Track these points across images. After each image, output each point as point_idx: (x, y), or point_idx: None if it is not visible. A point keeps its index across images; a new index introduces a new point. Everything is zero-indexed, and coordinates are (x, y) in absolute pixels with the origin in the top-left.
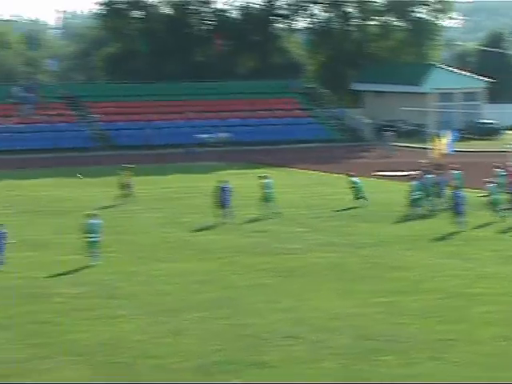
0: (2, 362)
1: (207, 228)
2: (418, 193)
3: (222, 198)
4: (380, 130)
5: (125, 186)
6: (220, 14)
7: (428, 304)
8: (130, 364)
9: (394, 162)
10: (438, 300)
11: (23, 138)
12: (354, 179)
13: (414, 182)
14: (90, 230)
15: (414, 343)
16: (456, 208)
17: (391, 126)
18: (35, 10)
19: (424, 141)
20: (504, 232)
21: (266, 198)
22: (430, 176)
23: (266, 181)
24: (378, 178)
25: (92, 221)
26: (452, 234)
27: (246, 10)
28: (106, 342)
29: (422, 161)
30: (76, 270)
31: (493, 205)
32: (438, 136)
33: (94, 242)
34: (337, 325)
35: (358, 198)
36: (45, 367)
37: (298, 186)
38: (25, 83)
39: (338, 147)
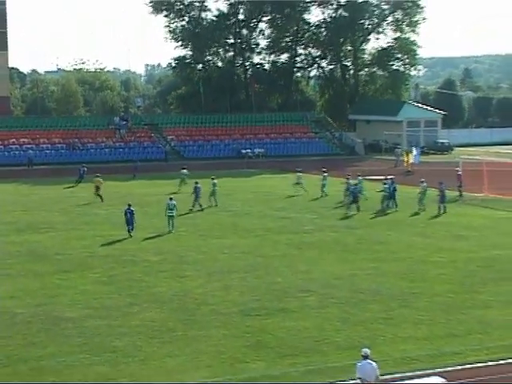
0: (106, 306)
1: (248, 214)
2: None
3: (197, 193)
4: (369, 146)
5: (98, 188)
6: (257, 65)
7: (401, 268)
8: (195, 309)
9: (378, 169)
10: (408, 265)
11: (120, 153)
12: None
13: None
14: (169, 207)
15: (390, 295)
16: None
17: (377, 145)
18: (129, 64)
19: (399, 155)
20: (451, 217)
21: (212, 193)
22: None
23: (215, 181)
24: (366, 181)
25: (170, 201)
26: (417, 220)
27: (275, 63)
28: (178, 294)
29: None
30: (157, 244)
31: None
32: (408, 151)
33: (171, 216)
34: (338, 282)
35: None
36: (135, 311)
37: (311, 186)
38: (121, 115)
39: (338, 159)
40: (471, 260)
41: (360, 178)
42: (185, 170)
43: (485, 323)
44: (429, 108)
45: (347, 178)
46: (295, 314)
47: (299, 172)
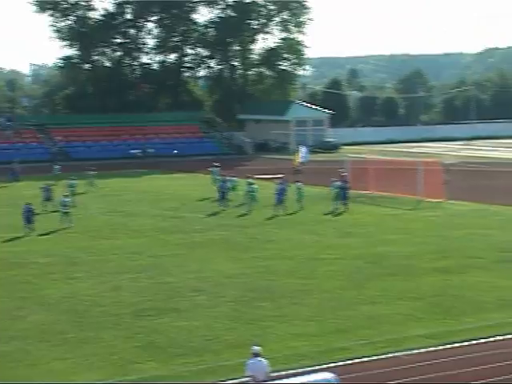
0: None
1: (138, 214)
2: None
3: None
4: (258, 146)
5: None
6: (145, 66)
7: (291, 266)
8: (85, 311)
9: (267, 168)
10: (298, 263)
11: (5, 154)
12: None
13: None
14: (63, 204)
15: (281, 293)
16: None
17: (266, 144)
18: (14, 63)
19: (287, 154)
20: (340, 215)
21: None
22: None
23: (72, 182)
24: (256, 180)
25: (64, 199)
26: (307, 218)
27: (163, 63)
28: (67, 296)
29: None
30: (45, 246)
31: (334, 197)
32: (296, 150)
33: (66, 212)
34: (229, 281)
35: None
36: (23, 314)
37: (200, 185)
38: (6, 115)
39: (227, 159)
40: (359, 256)
41: (231, 176)
42: (58, 167)
43: (372, 318)
44: (316, 107)
45: (223, 176)
46: (186, 314)
47: (216, 167)
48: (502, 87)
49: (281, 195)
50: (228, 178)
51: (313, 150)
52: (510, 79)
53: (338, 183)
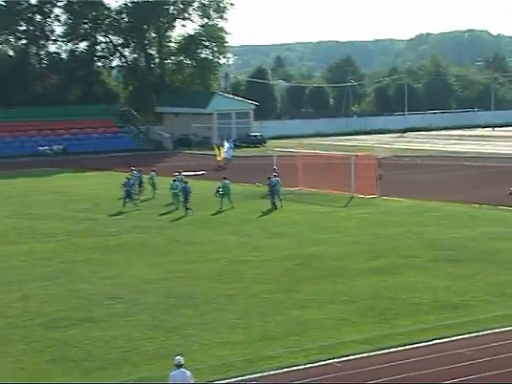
0: None
1: (48, 217)
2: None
3: None
4: (178, 140)
5: None
6: (53, 55)
7: (215, 269)
8: None
9: (189, 164)
10: (222, 266)
11: None
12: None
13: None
14: None
15: (204, 299)
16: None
17: (186, 139)
18: None
19: (210, 149)
20: (268, 214)
21: None
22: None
23: None
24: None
25: None
26: (231, 217)
27: (73, 52)
28: None
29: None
30: None
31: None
32: (219, 145)
33: None
34: (148, 287)
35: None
36: None
37: (115, 184)
38: None
39: (145, 155)
40: (288, 258)
41: (135, 172)
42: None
43: (302, 324)
44: (240, 99)
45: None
46: (102, 324)
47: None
48: (436, 75)
49: (187, 194)
50: (150, 174)
51: (237, 144)
52: (443, 67)
53: (278, 179)
